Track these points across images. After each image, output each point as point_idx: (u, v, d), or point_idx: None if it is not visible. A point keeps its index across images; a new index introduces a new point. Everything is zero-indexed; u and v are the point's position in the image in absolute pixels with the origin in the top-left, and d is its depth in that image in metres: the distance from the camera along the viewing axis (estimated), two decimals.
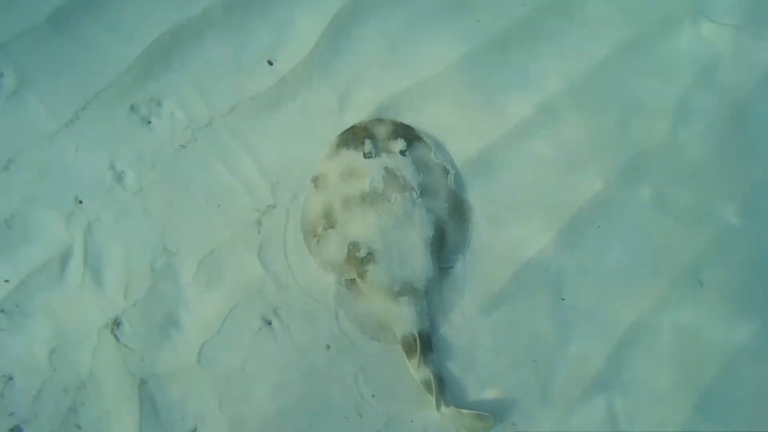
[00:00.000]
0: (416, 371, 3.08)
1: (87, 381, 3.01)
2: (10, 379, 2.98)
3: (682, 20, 3.96)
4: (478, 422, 3.00)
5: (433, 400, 3.02)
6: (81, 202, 3.22)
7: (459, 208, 3.44)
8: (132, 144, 3.36)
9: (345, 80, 3.63)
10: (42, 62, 3.39)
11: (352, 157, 3.38)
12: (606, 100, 3.75)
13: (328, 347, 3.17)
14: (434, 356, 3.13)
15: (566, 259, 3.43)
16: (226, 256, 3.25)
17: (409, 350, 3.10)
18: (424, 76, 3.66)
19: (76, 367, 3.02)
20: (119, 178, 3.30)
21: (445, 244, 3.34)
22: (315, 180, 3.39)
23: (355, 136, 3.43)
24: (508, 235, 3.45)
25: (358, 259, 3.21)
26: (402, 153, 3.39)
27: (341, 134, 3.47)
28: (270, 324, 3.17)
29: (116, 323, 3.08)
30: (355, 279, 3.25)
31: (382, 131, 3.47)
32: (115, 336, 3.06)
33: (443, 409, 3.04)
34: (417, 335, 3.09)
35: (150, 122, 3.42)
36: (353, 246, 3.23)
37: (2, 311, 3.03)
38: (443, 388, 3.09)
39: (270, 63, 3.59)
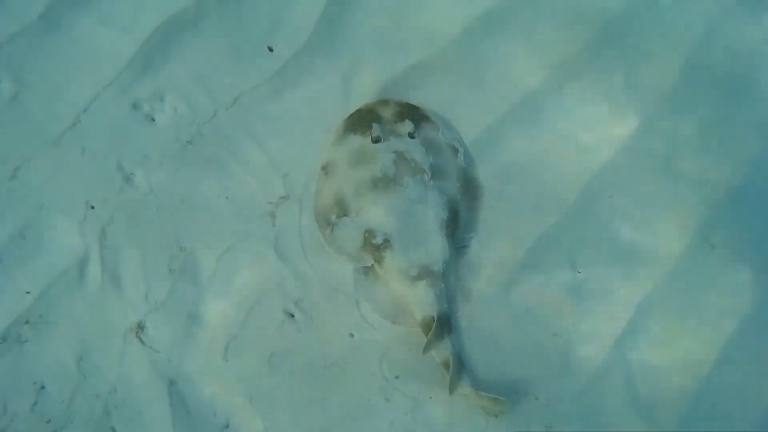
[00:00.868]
0: (437, 353, 3.10)
1: (117, 385, 3.00)
2: (43, 387, 2.97)
3: None
4: (494, 405, 3.02)
5: (454, 382, 3.03)
6: (93, 207, 3.16)
7: (470, 187, 3.40)
8: (138, 143, 3.28)
9: (348, 61, 3.55)
10: (38, 63, 3.29)
11: (361, 142, 3.32)
12: (612, 58, 3.68)
13: (352, 335, 3.18)
14: (454, 337, 3.15)
15: (579, 232, 3.41)
16: (243, 252, 3.21)
17: (428, 333, 3.10)
18: (428, 51, 3.58)
19: (104, 372, 3.01)
20: (128, 179, 3.23)
21: (459, 224, 3.32)
22: (325, 168, 3.33)
23: (361, 121, 3.36)
24: (520, 210, 3.43)
25: (375, 246, 3.19)
26: (410, 135, 3.33)
27: (347, 119, 3.39)
28: (292, 316, 3.16)
29: (140, 327, 3.07)
30: (372, 265, 3.24)
31: (388, 113, 3.40)
32: (140, 339, 3.05)
33: (461, 389, 3.05)
34: (436, 317, 3.10)
35: (154, 119, 3.33)
36: (369, 233, 3.20)
37: (27, 322, 3.01)
38: (463, 369, 3.11)
39: (270, 49, 3.49)
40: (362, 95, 3.49)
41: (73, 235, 3.13)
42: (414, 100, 3.51)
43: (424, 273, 3.16)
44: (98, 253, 3.12)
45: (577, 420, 3.17)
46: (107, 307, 3.08)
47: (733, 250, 3.44)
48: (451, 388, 3.03)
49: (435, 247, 3.19)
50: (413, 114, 3.43)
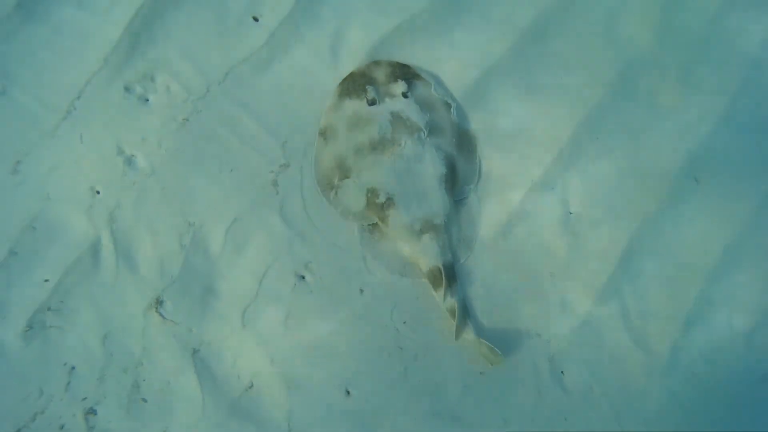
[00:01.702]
0: (443, 301, 3.23)
1: (142, 359, 3.12)
2: (73, 368, 3.08)
3: None
4: (492, 355, 3.17)
5: (459, 328, 3.18)
6: (98, 192, 3.19)
7: (465, 140, 3.46)
8: (135, 125, 3.28)
9: (334, 26, 3.52)
10: (22, 55, 3.24)
11: (356, 106, 3.34)
12: (588, 15, 3.70)
13: (362, 291, 3.29)
14: (458, 286, 3.27)
15: (570, 174, 3.50)
16: (250, 221, 3.27)
17: (435, 282, 3.24)
18: (413, 8, 3.55)
19: (129, 348, 3.12)
20: (130, 162, 3.25)
21: (457, 177, 3.39)
22: (323, 133, 3.36)
23: (355, 84, 3.37)
24: (513, 159, 3.49)
25: (378, 205, 3.26)
26: (404, 95, 3.36)
27: (341, 83, 3.40)
28: (304, 278, 3.26)
29: (158, 302, 3.15)
30: (377, 223, 3.33)
31: (381, 75, 3.41)
32: (160, 314, 3.14)
33: (465, 335, 3.21)
34: (441, 268, 3.22)
35: (148, 100, 3.32)
36: (371, 193, 3.27)
37: (49, 309, 3.08)
38: (467, 316, 3.26)
39: (255, 19, 3.45)
40: (351, 59, 3.49)
41: (82, 221, 3.17)
42: (404, 59, 3.51)
43: (427, 227, 3.26)
44: (109, 236, 3.17)
45: (578, 353, 3.33)
46: (125, 287, 3.16)
47: (718, 182, 3.57)
48: (457, 334, 3.19)
49: (436, 202, 3.28)
50: (405, 73, 3.45)
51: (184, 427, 3.06)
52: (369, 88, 3.34)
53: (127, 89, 3.31)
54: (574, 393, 3.30)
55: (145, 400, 3.10)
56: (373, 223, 3.32)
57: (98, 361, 3.09)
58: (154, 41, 3.37)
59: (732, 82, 3.64)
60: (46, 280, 3.10)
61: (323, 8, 3.52)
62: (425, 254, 3.24)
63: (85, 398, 3.06)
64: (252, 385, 3.16)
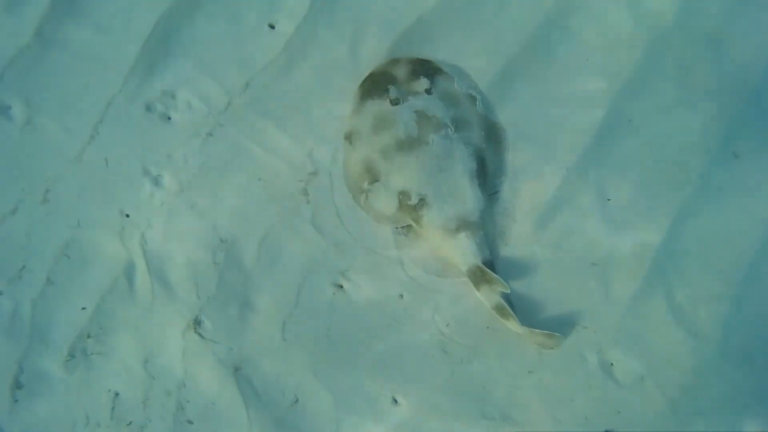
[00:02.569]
0: (486, 299, 3.12)
1: (185, 380, 3.06)
2: (117, 394, 3.04)
3: None
4: (549, 340, 3.05)
5: (507, 323, 3.08)
6: (128, 215, 3.13)
7: (493, 132, 3.33)
8: (159, 144, 3.22)
9: (351, 26, 3.41)
10: (43, 83, 3.19)
11: (379, 106, 3.23)
12: None
13: (401, 296, 3.19)
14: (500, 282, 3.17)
15: (605, 160, 3.35)
16: (283, 232, 3.19)
17: (476, 281, 3.11)
18: (429, 3, 3.43)
19: (171, 371, 3.06)
20: (157, 182, 3.19)
21: (488, 171, 3.27)
22: (348, 137, 3.27)
23: (376, 85, 3.27)
24: (544, 147, 3.36)
25: (411, 207, 3.16)
26: (427, 92, 3.25)
27: (362, 85, 3.30)
28: (342, 287, 3.17)
29: (197, 322, 3.09)
30: (411, 225, 3.22)
31: (401, 73, 3.30)
32: (199, 334, 3.08)
33: (516, 329, 3.07)
34: (480, 266, 3.12)
35: (170, 118, 3.25)
36: (403, 195, 3.17)
37: (89, 336, 3.04)
38: (513, 308, 3.13)
39: (272, 26, 3.36)
40: (371, 59, 3.38)
41: (114, 246, 3.12)
42: (424, 54, 3.39)
43: (463, 225, 3.15)
44: (143, 259, 3.11)
45: (626, 343, 3.20)
46: (162, 309, 3.10)
47: (759, 156, 3.41)
48: (517, 323, 3.06)
49: (469, 199, 3.16)
50: (426, 69, 3.33)
51: None
52: (391, 87, 3.24)
53: (148, 108, 3.24)
54: (625, 385, 3.16)
55: (190, 422, 3.04)
56: (407, 225, 3.23)
57: (141, 385, 3.04)
58: (171, 58, 3.29)
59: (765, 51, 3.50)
60: (84, 308, 3.05)
61: (339, 9, 3.42)
62: (463, 253, 3.13)
63: (130, 423, 3.01)
64: (297, 400, 3.08)
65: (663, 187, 3.36)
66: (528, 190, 3.33)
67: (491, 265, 3.16)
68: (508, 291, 3.08)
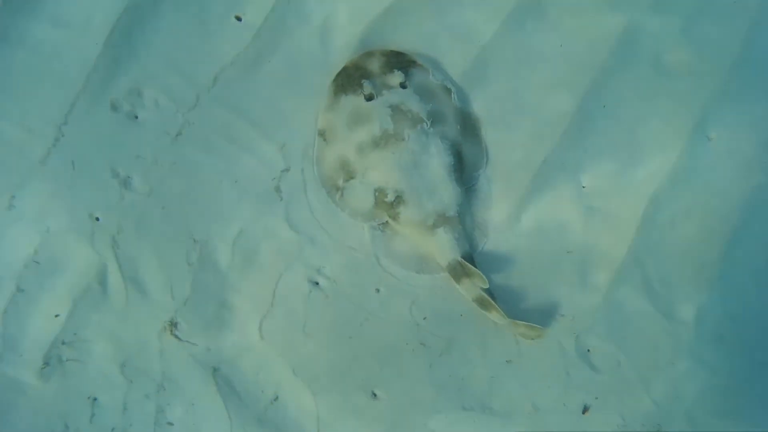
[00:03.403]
0: (467, 292, 3.10)
1: (163, 382, 3.01)
2: (95, 399, 2.98)
3: None
4: (531, 331, 3.05)
5: (489, 315, 3.07)
6: (98, 219, 3.03)
7: (469, 124, 3.27)
8: (127, 145, 3.09)
9: (321, 15, 3.29)
10: (1, 83, 3.02)
11: (354, 102, 3.14)
12: None
13: (378, 290, 3.15)
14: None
15: (579, 147, 3.31)
16: (256, 231, 3.13)
17: (456, 275, 3.09)
18: None
19: (149, 374, 3.02)
20: (126, 183, 3.07)
21: (465, 164, 3.22)
22: (322, 134, 3.18)
23: (350, 79, 3.16)
24: (520, 137, 3.31)
25: (388, 204, 3.10)
26: (402, 85, 3.16)
27: (335, 79, 3.19)
28: (317, 284, 3.13)
29: (173, 324, 3.03)
30: (387, 221, 3.16)
31: (375, 66, 3.19)
32: (176, 336, 3.02)
33: (498, 320, 3.07)
34: (460, 260, 3.09)
35: (137, 117, 3.12)
36: (379, 192, 3.10)
37: (64, 343, 2.96)
38: (495, 300, 3.12)
39: (238, 18, 3.21)
40: (343, 49, 3.27)
41: (85, 250, 3.02)
42: (396, 44, 3.29)
43: (441, 220, 3.10)
44: (115, 262, 3.02)
45: (602, 329, 3.22)
46: (137, 313, 3.03)
47: (731, 139, 3.40)
48: (499, 317, 3.05)
49: (447, 194, 3.11)
50: (401, 61, 3.23)
51: None
52: (365, 82, 3.13)
53: (114, 108, 3.10)
54: (602, 370, 3.19)
55: (171, 424, 3.01)
56: (384, 222, 3.18)
57: (120, 390, 2.99)
58: (136, 54, 3.15)
59: (738, 32, 3.45)
60: (57, 315, 2.97)
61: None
62: (442, 248, 3.09)
63: (112, 429, 2.98)
64: (277, 398, 3.06)
65: (638, 172, 3.32)
66: (505, 180, 3.28)
67: (470, 259, 3.13)
68: (487, 286, 3.06)
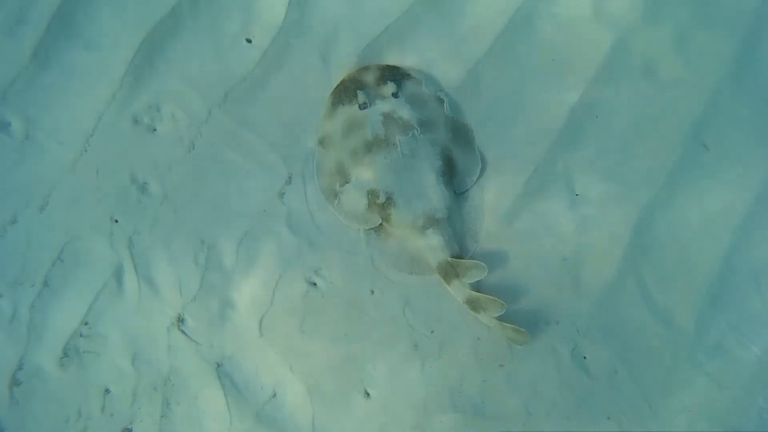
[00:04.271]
0: (458, 293, 3.14)
1: (170, 376, 3.16)
2: (108, 391, 3.15)
3: None
4: (518, 335, 3.04)
5: (478, 316, 3.10)
6: (116, 221, 3.27)
7: (461, 132, 3.37)
8: (145, 154, 3.35)
9: (323, 36, 3.51)
10: (40, 100, 3.35)
11: (349, 111, 3.31)
12: None
13: (372, 292, 3.24)
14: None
15: (573, 155, 3.37)
16: (260, 234, 3.28)
17: (446, 276, 3.14)
18: (397, 11, 3.51)
19: (157, 367, 3.17)
20: (143, 189, 3.31)
21: (457, 169, 3.31)
22: (321, 142, 3.35)
23: (347, 91, 3.35)
24: (512, 144, 3.39)
25: (379, 205, 3.21)
26: (394, 95, 3.31)
27: (333, 92, 3.38)
28: (315, 285, 3.24)
29: (180, 320, 3.20)
30: (381, 224, 3.27)
31: (370, 78, 3.37)
32: (182, 331, 3.18)
33: (487, 321, 3.10)
34: (450, 260, 3.17)
35: (155, 129, 3.38)
36: (371, 194, 3.23)
37: (82, 336, 3.16)
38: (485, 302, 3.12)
39: (248, 40, 3.48)
40: (343, 65, 3.47)
41: (105, 250, 3.24)
42: (393, 60, 3.47)
43: (430, 222, 3.18)
44: (130, 261, 3.23)
45: (599, 336, 3.19)
46: (148, 308, 3.21)
47: (729, 146, 3.37)
48: (487, 319, 3.08)
49: (435, 196, 3.20)
50: (395, 74, 3.39)
51: None
52: (359, 92, 3.31)
53: (135, 121, 3.38)
54: (598, 377, 3.13)
55: (175, 416, 3.18)
56: (378, 224, 3.28)
57: (130, 382, 3.15)
58: (156, 72, 3.43)
59: (733, 42, 3.45)
60: (77, 308, 3.19)
61: (312, 20, 3.52)
62: (431, 249, 3.16)
63: (122, 418, 3.14)
64: (275, 394, 3.15)
65: (633, 179, 3.34)
66: (497, 187, 3.35)
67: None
68: (486, 273, 3.07)
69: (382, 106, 3.29)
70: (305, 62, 3.49)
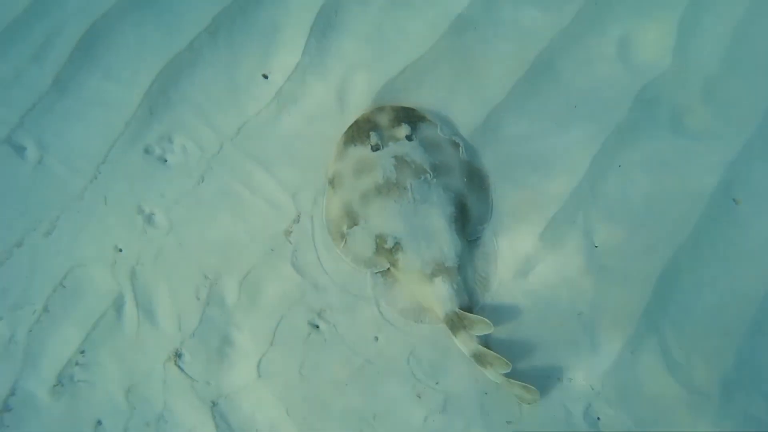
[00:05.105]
0: (464, 346, 2.99)
1: (163, 412, 3.03)
2: (100, 423, 3.04)
3: None
4: (526, 393, 2.89)
5: (485, 372, 2.94)
6: (121, 250, 3.20)
7: (476, 178, 3.26)
8: (154, 185, 3.30)
9: (340, 74, 3.47)
10: (56, 126, 3.34)
11: (361, 152, 3.22)
12: (599, 43, 3.52)
13: (376, 338, 3.11)
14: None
15: (592, 206, 3.23)
16: (264, 272, 3.19)
17: (453, 327, 2.99)
18: (416, 53, 3.46)
19: (151, 402, 3.05)
20: (149, 220, 3.26)
21: (469, 216, 3.18)
22: (331, 182, 3.26)
23: (359, 131, 3.26)
24: (530, 193, 3.27)
25: (387, 250, 3.09)
26: (408, 138, 3.22)
27: (346, 132, 3.30)
28: (317, 327, 3.12)
29: (177, 355, 3.09)
30: (389, 269, 3.15)
31: (384, 120, 3.28)
32: (179, 367, 3.07)
33: (494, 378, 2.94)
34: (458, 312, 3.02)
35: (166, 161, 3.34)
36: (380, 238, 3.11)
37: (77, 364, 3.07)
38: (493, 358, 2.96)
39: (265, 77, 3.45)
40: (357, 106, 3.41)
41: (106, 279, 3.17)
42: (409, 102, 3.39)
43: (439, 270, 3.05)
44: (131, 292, 3.15)
45: (615, 396, 3.01)
46: (146, 341, 3.11)
47: (760, 202, 3.22)
48: (494, 375, 2.93)
49: (445, 243, 3.07)
50: (409, 116, 3.31)
51: None
52: (372, 133, 3.22)
53: (146, 151, 3.35)
54: None
55: None
56: (385, 269, 3.17)
57: (123, 415, 3.03)
58: (170, 104, 3.41)
59: (763, 93, 3.31)
60: (74, 336, 3.10)
61: (329, 59, 3.48)
62: (439, 298, 3.02)
63: None
64: None
65: (656, 233, 3.19)
66: (512, 236, 3.22)
67: (469, 312, 3.03)
68: (491, 330, 2.92)
69: (395, 149, 3.20)
70: (320, 100, 3.43)
